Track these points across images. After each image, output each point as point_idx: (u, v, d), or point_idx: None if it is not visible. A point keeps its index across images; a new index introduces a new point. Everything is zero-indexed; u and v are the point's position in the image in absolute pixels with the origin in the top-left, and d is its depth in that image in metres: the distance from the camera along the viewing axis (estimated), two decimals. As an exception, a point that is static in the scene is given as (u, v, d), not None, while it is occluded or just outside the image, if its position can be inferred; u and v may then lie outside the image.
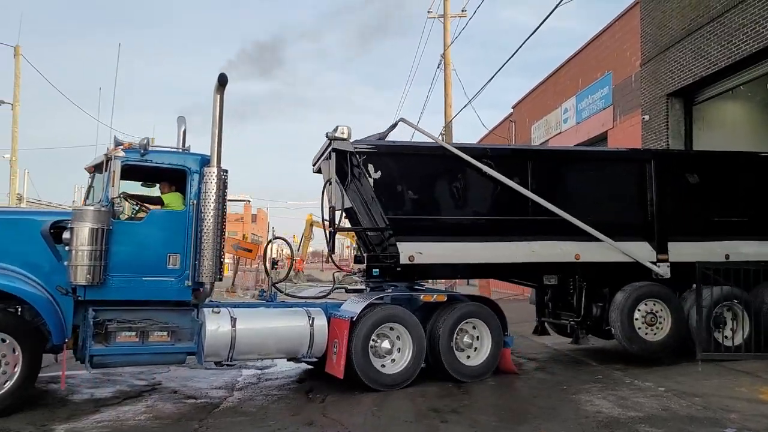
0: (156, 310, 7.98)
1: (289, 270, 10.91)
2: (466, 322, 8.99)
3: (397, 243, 8.91)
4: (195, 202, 8.10)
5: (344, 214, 9.63)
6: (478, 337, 9.06)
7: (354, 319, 8.30)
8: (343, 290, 9.92)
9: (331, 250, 9.75)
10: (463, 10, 25.04)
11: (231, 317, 8.05)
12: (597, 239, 9.49)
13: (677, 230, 9.82)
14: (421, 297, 9.01)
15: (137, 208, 8.24)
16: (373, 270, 9.08)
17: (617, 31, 18.14)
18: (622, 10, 17.86)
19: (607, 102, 18.55)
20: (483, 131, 30.57)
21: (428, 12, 26.01)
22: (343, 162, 8.97)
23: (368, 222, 9.23)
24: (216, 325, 7.93)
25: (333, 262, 10.59)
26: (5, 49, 29.01)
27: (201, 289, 8.10)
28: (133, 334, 7.74)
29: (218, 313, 8.07)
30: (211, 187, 8.07)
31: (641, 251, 9.65)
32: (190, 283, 7.99)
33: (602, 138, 18.77)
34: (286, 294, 10.01)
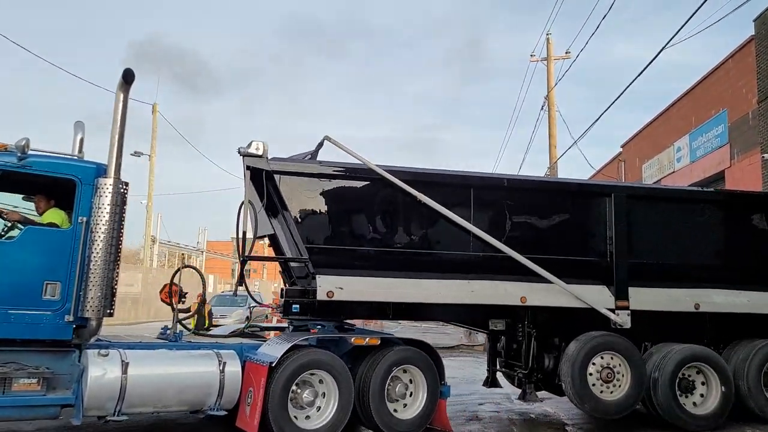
0: (26, 351, 6.52)
1: (202, 304, 9.49)
2: (401, 369, 7.90)
3: (316, 276, 7.80)
4: (85, 219, 6.71)
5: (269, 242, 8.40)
6: (412, 391, 7.97)
7: (273, 364, 7.08)
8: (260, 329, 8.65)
9: (239, 281, 8.42)
10: (567, 52, 24.61)
11: (122, 361, 6.69)
12: (547, 280, 8.56)
13: (640, 274, 8.91)
14: (352, 339, 7.88)
15: (9, 224, 6.73)
16: (293, 306, 7.89)
17: (731, 68, 17.59)
18: (735, 46, 17.45)
19: (722, 140, 17.88)
20: (590, 171, 29.72)
21: (531, 56, 25.62)
22: (259, 182, 7.89)
23: (292, 251, 8.05)
24: (101, 371, 6.53)
25: (249, 294, 9.27)
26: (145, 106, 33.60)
27: (86, 326, 6.66)
28: (-9, 381, 6.21)
29: (106, 356, 6.68)
30: (106, 201, 6.74)
31: (597, 296, 8.71)
32: (71, 319, 6.59)
33: (719, 178, 18.00)
34: (193, 332, 8.62)
